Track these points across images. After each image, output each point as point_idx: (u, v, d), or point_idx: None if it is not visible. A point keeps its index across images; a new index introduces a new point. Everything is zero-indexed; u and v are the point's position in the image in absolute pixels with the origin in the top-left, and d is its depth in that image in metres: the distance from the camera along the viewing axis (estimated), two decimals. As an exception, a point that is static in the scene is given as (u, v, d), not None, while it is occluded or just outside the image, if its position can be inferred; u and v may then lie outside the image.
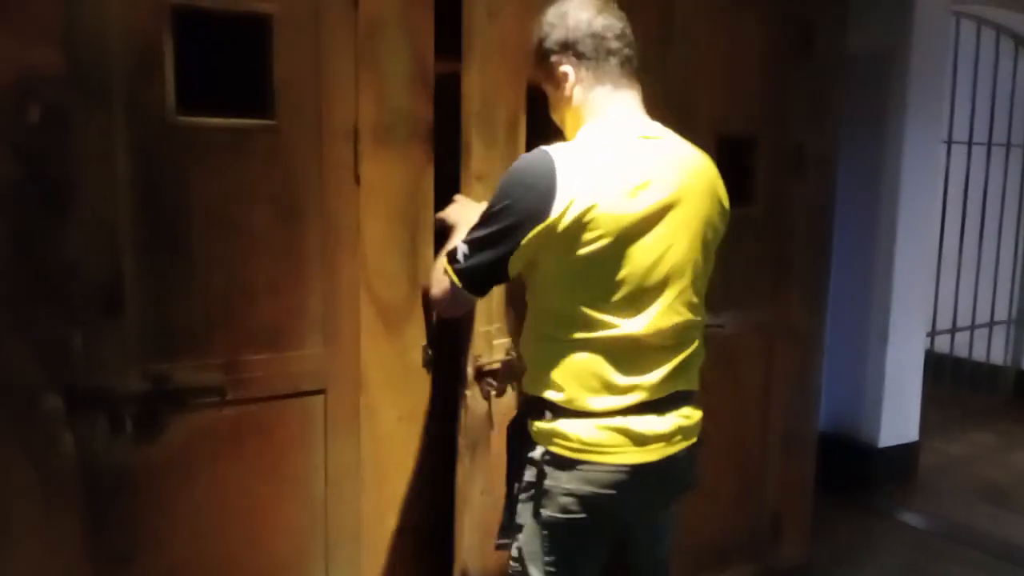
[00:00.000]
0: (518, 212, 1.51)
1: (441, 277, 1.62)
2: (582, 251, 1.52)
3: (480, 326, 1.99)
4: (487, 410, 2.03)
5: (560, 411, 1.60)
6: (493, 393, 2.02)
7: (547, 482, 1.61)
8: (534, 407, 1.65)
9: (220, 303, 1.79)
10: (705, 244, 1.65)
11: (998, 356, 5.29)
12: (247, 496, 1.87)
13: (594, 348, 1.58)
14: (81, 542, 1.68)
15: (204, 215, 1.76)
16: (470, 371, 1.98)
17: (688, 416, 1.68)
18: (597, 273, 1.55)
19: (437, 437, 2.08)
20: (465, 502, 2.02)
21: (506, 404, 2.04)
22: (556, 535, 1.64)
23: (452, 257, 1.60)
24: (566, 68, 1.64)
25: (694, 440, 1.71)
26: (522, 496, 1.66)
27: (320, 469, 1.95)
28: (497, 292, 2.03)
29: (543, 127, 2.12)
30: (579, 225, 1.50)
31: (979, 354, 5.18)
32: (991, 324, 5.21)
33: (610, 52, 1.63)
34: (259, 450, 1.88)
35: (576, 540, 1.65)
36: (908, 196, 3.80)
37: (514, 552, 1.69)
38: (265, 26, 1.79)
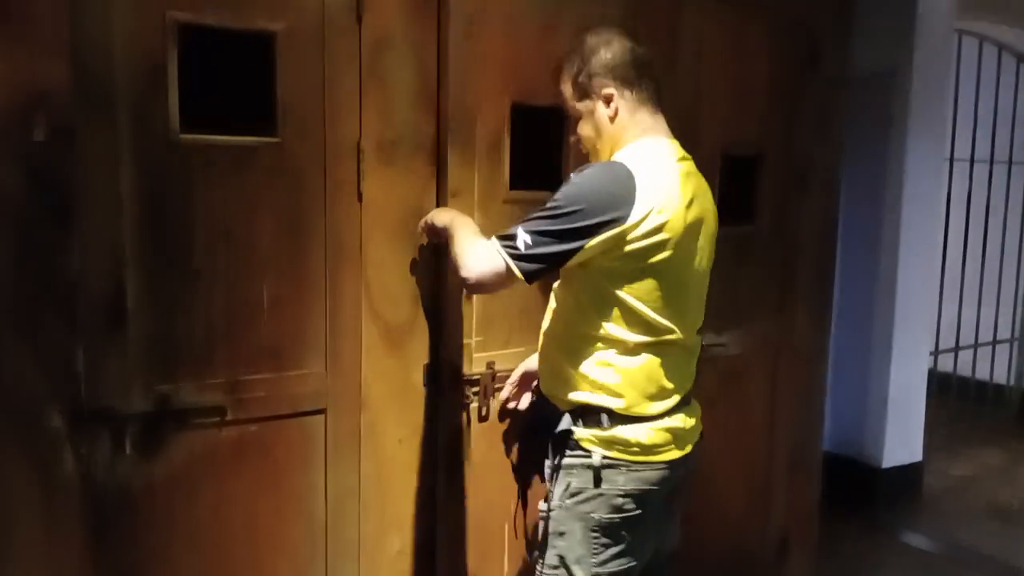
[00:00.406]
0: (593, 214, 1.60)
1: (490, 258, 1.65)
2: (652, 259, 1.65)
3: (463, 338, 2.02)
4: (467, 420, 2.06)
5: (618, 417, 1.70)
6: (474, 405, 2.06)
7: (603, 486, 1.69)
8: (584, 414, 1.71)
9: (222, 321, 1.78)
10: (711, 256, 1.83)
11: (1001, 375, 5.28)
12: (248, 515, 1.86)
13: (655, 352, 1.71)
14: (83, 560, 1.66)
15: (207, 232, 1.75)
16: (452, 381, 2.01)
17: (698, 411, 1.85)
18: (661, 280, 1.67)
19: (438, 457, 2.07)
20: (447, 515, 2.04)
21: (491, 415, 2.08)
22: (609, 535, 1.70)
23: (509, 243, 1.63)
24: (611, 91, 1.74)
25: (700, 432, 1.85)
26: (567, 503, 1.71)
27: (321, 489, 1.94)
28: (479, 304, 2.06)
29: (530, 145, 2.14)
30: (652, 233, 1.63)
31: (983, 373, 5.17)
32: (994, 343, 5.19)
33: (648, 79, 1.77)
34: (260, 470, 1.86)
35: (636, 534, 1.73)
36: (911, 213, 3.80)
37: (552, 560, 1.73)
38: (270, 44, 1.79)
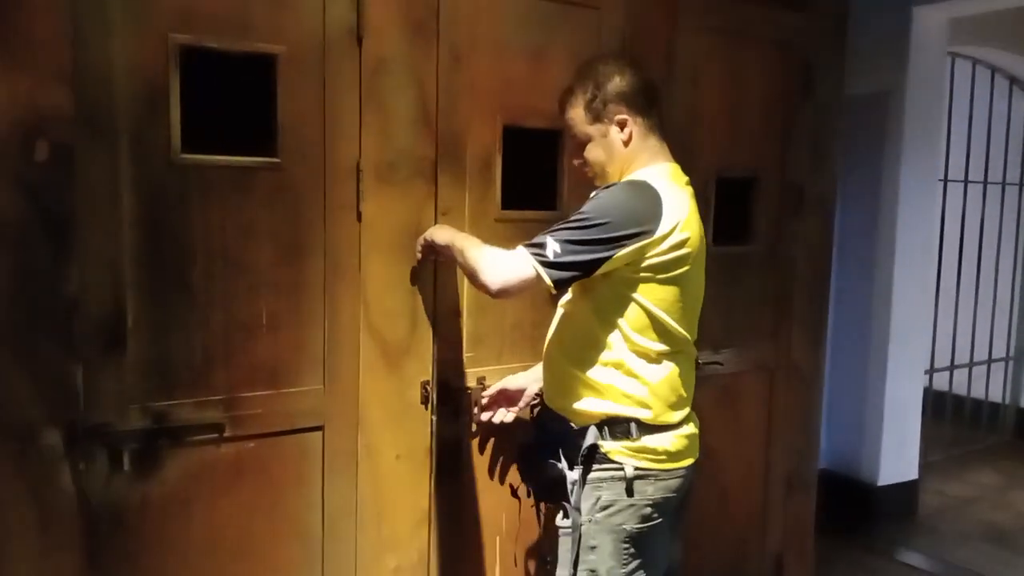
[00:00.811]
0: (622, 226, 1.67)
1: (518, 264, 1.68)
2: (675, 271, 1.73)
3: (457, 354, 2.05)
4: (460, 436, 2.08)
5: (646, 427, 1.75)
6: (466, 420, 2.08)
7: (635, 497, 1.73)
8: (611, 426, 1.75)
9: (220, 340, 1.80)
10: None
11: (997, 393, 5.28)
12: (245, 533, 1.86)
13: (673, 361, 1.78)
14: (78, 579, 1.66)
15: (206, 252, 1.77)
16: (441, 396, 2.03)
17: (697, 419, 1.91)
18: (681, 292, 1.76)
19: (434, 473, 2.08)
20: (444, 532, 2.05)
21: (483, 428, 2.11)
22: (639, 545, 1.74)
23: (538, 251, 1.68)
24: (624, 117, 1.81)
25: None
26: (597, 516, 1.73)
27: (318, 507, 1.94)
28: (470, 321, 2.08)
29: (527, 166, 2.16)
30: (677, 247, 1.71)
31: (978, 391, 5.17)
32: (989, 361, 5.21)
33: (658, 108, 1.86)
34: (257, 487, 1.87)
35: (658, 543, 1.79)
36: (905, 234, 3.82)
37: (583, 575, 1.75)
38: (270, 66, 1.81)
